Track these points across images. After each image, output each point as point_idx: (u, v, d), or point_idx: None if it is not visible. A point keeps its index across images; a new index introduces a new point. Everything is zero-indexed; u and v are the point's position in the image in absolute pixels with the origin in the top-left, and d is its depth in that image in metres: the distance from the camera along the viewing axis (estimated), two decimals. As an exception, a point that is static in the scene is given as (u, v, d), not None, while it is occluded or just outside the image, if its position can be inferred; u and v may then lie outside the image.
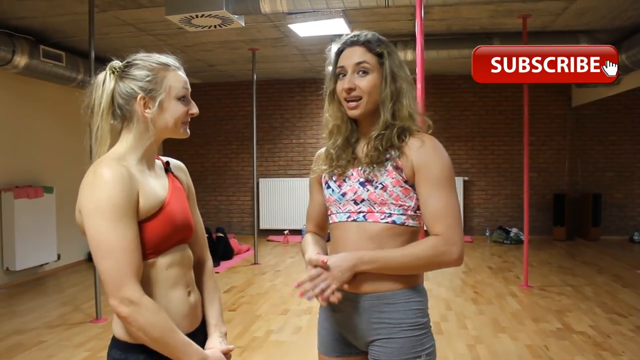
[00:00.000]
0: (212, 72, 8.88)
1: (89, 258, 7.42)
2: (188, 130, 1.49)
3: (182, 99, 1.45)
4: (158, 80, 1.42)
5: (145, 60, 1.44)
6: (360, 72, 1.54)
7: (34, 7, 5.11)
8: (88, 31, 4.62)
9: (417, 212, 1.54)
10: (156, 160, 1.53)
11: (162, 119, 1.43)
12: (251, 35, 6.44)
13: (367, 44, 1.55)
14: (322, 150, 1.70)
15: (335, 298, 1.45)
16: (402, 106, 1.54)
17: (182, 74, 1.48)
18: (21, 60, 5.71)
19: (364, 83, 1.53)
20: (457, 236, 1.48)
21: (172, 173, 1.56)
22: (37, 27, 5.77)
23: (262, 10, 4.73)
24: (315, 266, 1.48)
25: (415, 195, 1.52)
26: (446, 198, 1.48)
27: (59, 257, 6.75)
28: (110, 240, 1.28)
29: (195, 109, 1.48)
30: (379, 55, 1.55)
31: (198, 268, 1.60)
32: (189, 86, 1.48)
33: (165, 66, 1.44)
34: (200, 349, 1.41)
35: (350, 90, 1.54)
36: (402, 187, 1.51)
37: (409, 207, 1.52)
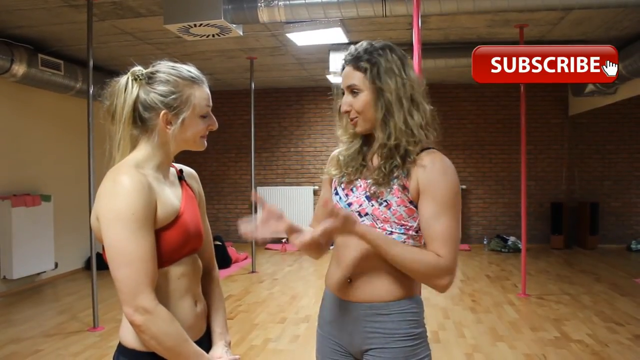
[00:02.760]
0: (210, 81, 8.73)
1: (87, 266, 7.40)
2: (205, 142, 1.51)
3: (204, 115, 1.46)
4: (183, 98, 1.41)
5: (172, 75, 1.42)
6: (353, 92, 1.53)
7: (32, 16, 5.13)
8: (86, 40, 4.63)
9: (419, 232, 1.52)
10: (170, 168, 1.54)
11: (183, 135, 1.44)
12: (249, 44, 6.47)
13: (354, 62, 1.53)
14: (337, 151, 1.69)
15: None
16: (395, 121, 1.50)
17: (206, 89, 1.48)
18: (20, 69, 5.72)
19: (357, 104, 1.52)
20: (454, 265, 1.46)
21: (185, 181, 1.56)
22: (35, 36, 5.79)
23: (260, 19, 4.75)
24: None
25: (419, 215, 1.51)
26: (449, 223, 1.46)
27: (56, 265, 6.73)
28: (128, 248, 1.28)
29: (215, 125, 1.50)
30: (364, 70, 1.51)
31: (205, 276, 1.60)
32: (211, 102, 1.49)
33: (191, 82, 1.44)
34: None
35: (347, 112, 1.55)
36: (406, 207, 1.49)
37: (410, 227, 1.51)
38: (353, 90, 1.52)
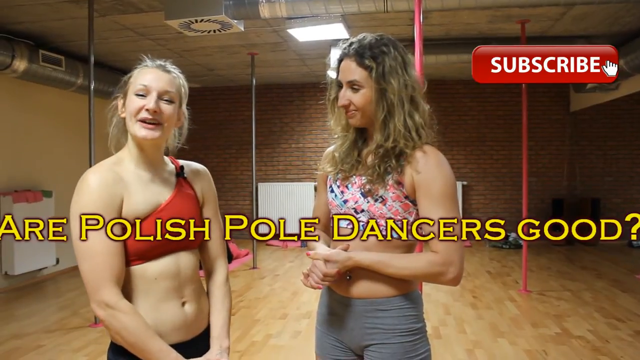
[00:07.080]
0: (211, 77, 8.89)
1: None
2: (145, 132, 1.39)
3: (139, 94, 1.39)
4: (126, 79, 1.44)
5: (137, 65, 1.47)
6: (354, 87, 1.50)
7: (33, 12, 5.12)
8: (87, 36, 4.63)
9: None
10: (170, 164, 1.53)
11: (127, 117, 1.43)
12: (250, 39, 6.46)
13: (357, 57, 1.48)
14: (332, 148, 1.67)
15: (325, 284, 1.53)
16: (395, 123, 1.48)
17: (155, 71, 1.41)
18: (20, 64, 5.71)
19: (357, 99, 1.50)
20: (456, 256, 1.46)
21: (185, 178, 1.53)
22: (36, 32, 5.78)
23: (261, 15, 4.74)
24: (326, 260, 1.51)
25: (415, 210, 1.50)
26: (445, 217, 1.46)
27: (57, 261, 6.73)
28: (89, 243, 1.30)
29: (150, 105, 1.37)
30: (369, 69, 1.47)
31: (209, 277, 1.58)
32: (157, 84, 1.40)
33: (142, 67, 1.45)
34: (181, 357, 1.36)
35: (344, 106, 1.53)
36: (402, 202, 1.49)
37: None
38: (353, 86, 1.50)
